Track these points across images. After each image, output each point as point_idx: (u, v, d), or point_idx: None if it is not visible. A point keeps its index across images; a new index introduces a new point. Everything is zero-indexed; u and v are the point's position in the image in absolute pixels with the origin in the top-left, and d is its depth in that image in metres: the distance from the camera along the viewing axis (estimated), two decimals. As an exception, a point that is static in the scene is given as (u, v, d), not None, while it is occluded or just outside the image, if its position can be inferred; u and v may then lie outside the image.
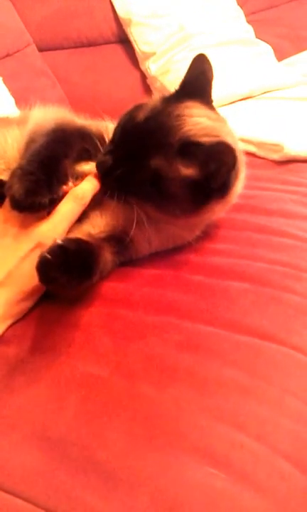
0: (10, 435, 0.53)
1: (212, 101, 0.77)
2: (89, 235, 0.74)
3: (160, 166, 0.67)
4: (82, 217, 0.73)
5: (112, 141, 0.73)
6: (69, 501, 0.47)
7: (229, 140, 0.70)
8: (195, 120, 0.70)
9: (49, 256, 0.56)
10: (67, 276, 0.59)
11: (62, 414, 0.55)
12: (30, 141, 0.74)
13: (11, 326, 0.68)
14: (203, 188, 0.70)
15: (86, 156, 0.75)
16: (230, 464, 0.50)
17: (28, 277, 0.66)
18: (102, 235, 0.75)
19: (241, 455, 0.51)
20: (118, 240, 0.75)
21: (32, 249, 0.66)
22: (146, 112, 0.71)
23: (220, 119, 0.77)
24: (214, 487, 0.48)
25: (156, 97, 0.75)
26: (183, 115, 0.70)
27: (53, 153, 0.70)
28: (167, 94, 0.76)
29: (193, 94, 0.74)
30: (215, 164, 0.67)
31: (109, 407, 0.56)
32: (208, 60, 0.75)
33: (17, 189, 0.62)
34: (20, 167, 0.66)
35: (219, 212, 0.80)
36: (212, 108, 0.77)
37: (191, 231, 0.81)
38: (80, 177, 0.73)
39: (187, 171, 0.68)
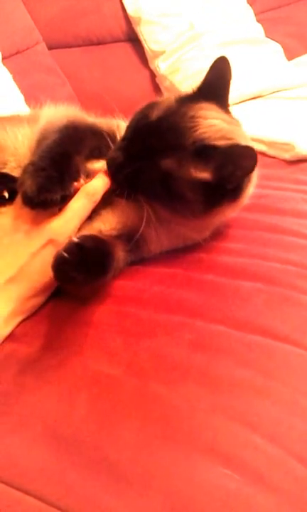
0: (21, 433, 0.52)
1: (228, 105, 0.77)
2: (100, 232, 0.73)
3: (172, 167, 0.67)
4: (92, 215, 0.73)
5: (124, 137, 0.72)
6: (81, 500, 0.46)
7: (244, 143, 0.70)
8: (210, 122, 0.69)
9: (66, 254, 0.56)
10: (83, 274, 0.58)
11: (73, 413, 0.54)
12: (42, 137, 0.74)
13: (21, 323, 0.68)
14: (215, 191, 0.69)
15: (97, 153, 0.75)
16: (244, 464, 0.49)
17: (40, 273, 0.66)
18: (113, 233, 0.74)
19: (255, 456, 0.50)
20: (128, 237, 0.75)
21: (44, 246, 0.66)
22: (160, 110, 0.70)
23: (235, 122, 0.76)
24: (228, 488, 0.47)
25: (171, 97, 0.75)
26: (198, 117, 0.69)
27: (65, 149, 0.70)
28: (183, 93, 0.75)
29: (210, 96, 0.73)
30: (232, 167, 0.67)
31: (120, 406, 0.55)
32: (229, 64, 0.74)
33: (29, 185, 0.62)
34: (32, 163, 0.66)
35: (230, 214, 0.79)
36: (227, 111, 0.76)
37: (201, 232, 0.81)
38: (91, 175, 0.73)
39: (200, 173, 0.67)
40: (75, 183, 0.70)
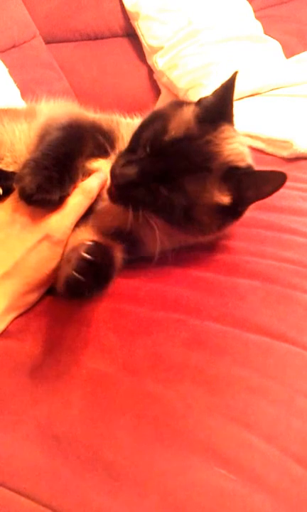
0: (14, 432, 0.52)
1: (233, 120, 0.75)
2: (98, 230, 0.72)
3: (195, 189, 0.66)
4: (90, 212, 0.72)
5: (132, 149, 0.69)
6: (74, 500, 0.45)
7: (252, 163, 0.71)
8: (233, 146, 0.69)
9: (79, 276, 0.55)
10: (94, 290, 0.58)
11: (67, 411, 0.53)
12: (45, 133, 0.73)
13: (15, 319, 0.67)
14: (228, 213, 0.70)
15: (96, 152, 0.74)
16: (240, 464, 0.49)
17: (35, 269, 0.65)
18: (111, 231, 0.73)
19: (251, 456, 0.49)
20: (126, 236, 0.74)
21: (40, 241, 0.65)
22: (178, 129, 0.67)
23: (245, 140, 0.76)
24: (224, 488, 0.47)
25: (187, 113, 0.70)
26: (223, 143, 0.68)
27: (68, 150, 0.68)
28: (197, 109, 0.71)
29: (224, 116, 0.71)
30: (254, 191, 0.68)
31: (115, 404, 0.54)
32: (235, 78, 0.72)
33: (28, 182, 0.61)
34: (34, 159, 0.64)
35: (232, 226, 0.79)
36: (236, 130, 0.75)
37: (202, 240, 0.79)
38: (88, 173, 0.72)
39: (222, 197, 0.67)
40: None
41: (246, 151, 0.73)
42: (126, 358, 0.60)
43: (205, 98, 0.72)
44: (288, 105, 1.55)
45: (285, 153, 1.19)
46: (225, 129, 0.70)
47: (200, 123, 0.68)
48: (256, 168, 0.76)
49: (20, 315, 0.69)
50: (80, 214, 0.69)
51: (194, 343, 0.62)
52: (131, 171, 0.65)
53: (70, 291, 0.57)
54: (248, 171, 0.69)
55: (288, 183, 1.02)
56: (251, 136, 1.29)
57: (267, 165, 1.16)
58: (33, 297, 0.69)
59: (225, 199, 0.67)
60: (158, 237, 0.69)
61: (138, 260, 0.78)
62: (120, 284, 0.73)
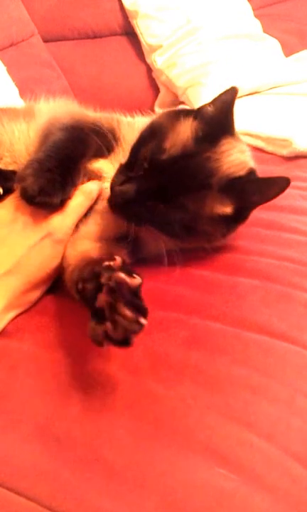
0: (13, 431, 0.51)
1: (235, 131, 0.74)
2: (101, 233, 0.72)
3: (196, 206, 0.66)
4: (91, 212, 0.72)
5: (129, 166, 0.69)
6: (74, 500, 0.45)
7: (254, 166, 0.72)
8: (232, 157, 0.69)
9: None
10: None
11: (66, 411, 0.53)
12: (48, 133, 0.73)
13: (14, 318, 0.67)
14: (232, 220, 0.71)
15: (97, 153, 0.74)
16: (240, 464, 0.48)
17: (36, 267, 0.65)
18: (113, 234, 0.73)
19: (252, 455, 0.49)
20: (129, 239, 0.73)
21: (42, 239, 0.65)
22: (175, 147, 0.66)
23: (244, 146, 0.75)
24: (224, 488, 0.47)
25: (185, 128, 0.68)
26: (222, 157, 0.68)
27: (72, 153, 0.68)
28: (195, 123, 0.69)
29: (223, 130, 0.70)
30: (259, 197, 0.69)
31: (114, 404, 0.54)
32: (236, 94, 0.71)
33: (31, 184, 0.61)
34: (37, 160, 0.64)
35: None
36: (236, 137, 0.74)
37: (209, 246, 0.79)
38: (88, 174, 0.72)
39: (224, 208, 0.67)
40: None
41: (247, 156, 0.72)
42: (125, 357, 0.60)
43: (204, 108, 0.71)
44: (288, 104, 1.55)
45: (284, 152, 1.19)
46: (225, 143, 0.69)
47: (198, 139, 0.67)
48: (257, 166, 0.76)
49: (20, 314, 0.68)
50: (82, 214, 0.70)
51: (193, 343, 0.61)
52: (130, 189, 0.65)
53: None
54: (249, 180, 0.69)
55: (287, 182, 1.04)
56: (250, 135, 1.29)
57: (267, 163, 1.16)
58: (33, 296, 0.69)
59: (227, 209, 0.68)
60: (162, 240, 0.70)
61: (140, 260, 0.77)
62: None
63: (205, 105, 0.72)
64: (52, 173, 0.63)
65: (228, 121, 0.71)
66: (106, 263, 0.54)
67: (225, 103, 0.70)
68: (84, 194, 0.69)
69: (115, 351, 0.60)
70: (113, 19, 1.94)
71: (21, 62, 1.63)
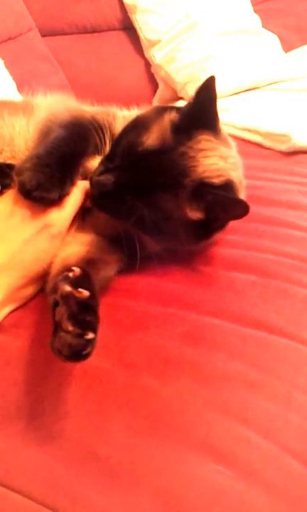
0: (6, 427, 0.51)
1: (219, 126, 0.71)
2: (93, 236, 0.72)
3: (168, 205, 0.64)
4: (87, 217, 0.72)
5: (111, 157, 0.67)
6: (68, 497, 0.45)
7: (235, 178, 0.68)
8: (209, 161, 0.66)
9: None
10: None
11: (61, 407, 0.53)
12: (48, 130, 0.72)
13: (10, 313, 0.66)
14: (206, 226, 0.68)
15: (95, 150, 0.73)
16: (236, 460, 0.48)
17: (32, 262, 0.64)
18: (108, 233, 0.72)
19: (249, 452, 0.49)
20: (124, 238, 0.71)
21: (38, 232, 0.64)
22: (154, 140, 0.65)
23: (230, 152, 0.72)
24: (220, 484, 0.46)
25: (165, 121, 0.67)
26: (198, 155, 0.65)
27: (72, 150, 0.68)
28: (175, 119, 0.67)
29: (203, 123, 0.68)
30: (223, 214, 0.66)
31: (110, 399, 0.54)
32: (215, 83, 0.68)
33: (29, 178, 0.60)
34: (37, 155, 0.64)
35: (218, 237, 0.77)
36: (221, 137, 0.71)
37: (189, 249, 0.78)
38: (84, 171, 0.71)
39: (195, 213, 0.65)
40: None
41: (229, 163, 0.69)
42: (121, 352, 0.59)
43: (187, 103, 0.70)
44: (287, 99, 1.54)
45: (283, 147, 1.18)
46: (203, 139, 0.67)
47: (175, 132, 0.65)
48: (254, 163, 0.75)
49: (15, 309, 0.68)
50: (78, 207, 0.69)
51: (190, 338, 0.61)
52: (107, 180, 0.64)
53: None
54: (215, 192, 0.65)
55: (285, 177, 1.04)
56: (249, 130, 1.28)
57: (265, 159, 1.15)
58: (29, 291, 0.68)
59: (198, 215, 0.65)
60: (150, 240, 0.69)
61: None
62: (116, 279, 0.72)
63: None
64: (52, 168, 0.62)
65: (207, 114, 0.68)
66: (65, 273, 0.53)
67: (203, 94, 0.67)
68: (81, 188, 0.68)
69: (111, 346, 0.60)
70: (111, 14, 1.92)
71: (19, 57, 1.62)
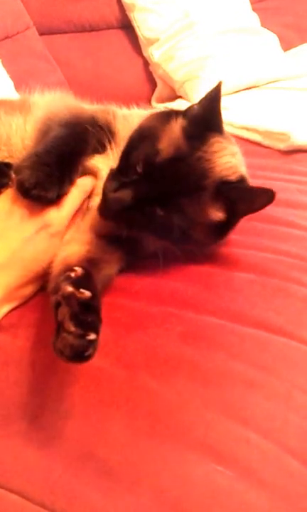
0: (4, 428, 0.50)
1: (223, 127, 0.72)
2: (95, 234, 0.71)
3: (192, 210, 0.65)
4: (86, 215, 0.72)
5: (123, 170, 0.67)
6: (67, 498, 0.44)
7: (244, 172, 0.70)
8: (223, 160, 0.67)
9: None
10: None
11: (59, 407, 0.52)
12: (47, 129, 0.72)
13: (8, 313, 0.66)
14: (224, 227, 0.69)
15: (94, 149, 0.73)
16: (236, 460, 0.48)
17: (31, 261, 0.64)
18: (106, 235, 0.71)
19: (248, 452, 0.48)
20: (124, 239, 0.71)
21: (37, 231, 0.64)
22: (168, 148, 0.65)
23: (236, 148, 0.73)
24: (220, 484, 0.46)
25: (175, 129, 0.67)
26: (214, 158, 0.66)
27: (73, 150, 0.68)
28: (184, 122, 0.68)
29: (212, 126, 0.69)
30: (248, 205, 0.68)
31: (109, 399, 0.53)
32: (220, 89, 0.69)
33: (27, 176, 0.60)
34: (36, 154, 0.64)
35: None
36: (226, 136, 0.72)
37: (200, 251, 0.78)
38: (83, 170, 0.71)
39: (217, 213, 0.66)
40: None
41: (237, 160, 0.71)
42: (120, 352, 0.59)
43: (191, 108, 0.70)
44: (285, 98, 1.54)
45: (282, 146, 1.18)
46: (215, 142, 0.68)
47: (188, 139, 0.66)
48: (253, 162, 0.75)
49: (14, 309, 0.67)
50: (77, 206, 0.69)
51: (189, 337, 0.61)
52: (126, 195, 0.63)
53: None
54: (238, 186, 0.67)
55: (284, 176, 1.04)
56: (248, 129, 1.28)
57: (264, 157, 1.15)
58: (28, 290, 0.68)
59: (220, 215, 0.67)
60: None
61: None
62: (116, 278, 0.72)
63: (192, 105, 0.70)
64: (51, 167, 0.62)
65: (215, 119, 0.70)
66: (66, 273, 0.53)
67: (211, 100, 0.68)
68: (80, 187, 0.68)
69: (110, 346, 0.60)
70: (110, 12, 1.92)
71: (16, 55, 1.61)
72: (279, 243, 0.79)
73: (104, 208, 0.66)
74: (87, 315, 0.50)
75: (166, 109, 0.75)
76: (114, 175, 0.67)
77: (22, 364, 0.58)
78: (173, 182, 0.63)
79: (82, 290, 0.51)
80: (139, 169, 0.64)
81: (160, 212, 0.64)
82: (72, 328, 0.47)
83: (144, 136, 0.68)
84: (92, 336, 0.48)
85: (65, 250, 0.68)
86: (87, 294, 0.51)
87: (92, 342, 0.48)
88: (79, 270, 0.55)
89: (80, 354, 0.47)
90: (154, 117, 0.72)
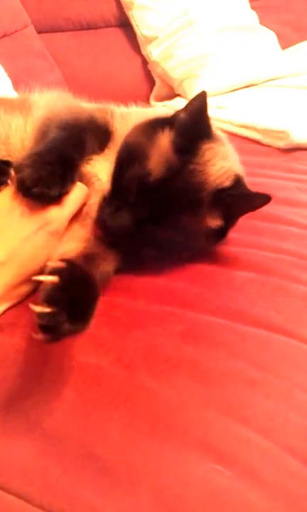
0: (2, 427, 0.50)
1: (212, 132, 0.72)
2: (90, 234, 0.70)
3: (190, 223, 0.66)
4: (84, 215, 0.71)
5: (116, 194, 0.67)
6: (65, 498, 0.44)
7: (238, 170, 0.71)
8: (215, 167, 0.67)
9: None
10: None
11: (58, 407, 0.52)
12: (47, 129, 0.71)
13: (5, 311, 0.65)
14: (222, 231, 0.71)
15: (93, 151, 0.73)
16: (236, 460, 0.47)
17: (29, 259, 0.64)
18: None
19: (248, 451, 0.48)
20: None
21: (37, 230, 0.64)
22: (159, 166, 0.65)
23: (225, 148, 0.72)
24: (219, 484, 0.45)
25: (163, 143, 0.67)
26: (207, 168, 0.66)
27: (73, 151, 0.67)
28: (172, 134, 0.67)
29: (201, 134, 0.68)
30: (243, 209, 0.70)
31: (108, 398, 0.53)
32: (207, 98, 0.68)
33: (29, 174, 0.59)
34: (37, 152, 0.63)
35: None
36: (215, 139, 0.71)
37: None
38: (81, 171, 0.71)
39: (215, 222, 0.68)
40: None
41: (231, 160, 0.71)
42: (119, 351, 0.59)
43: (178, 116, 0.69)
44: (284, 96, 1.54)
45: (281, 144, 1.18)
46: (206, 149, 0.67)
47: (178, 152, 0.66)
48: (252, 160, 0.74)
49: (11, 308, 0.67)
50: (78, 206, 0.68)
51: (189, 336, 0.60)
52: (124, 220, 0.64)
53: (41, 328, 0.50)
54: (233, 194, 0.68)
55: (284, 174, 1.03)
56: (247, 127, 1.28)
57: (263, 156, 1.14)
58: (25, 289, 0.67)
59: (218, 223, 0.68)
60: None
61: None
62: (114, 277, 0.71)
63: (178, 111, 0.70)
64: (53, 166, 0.61)
65: (204, 126, 0.69)
66: (51, 265, 0.54)
67: (197, 108, 0.68)
68: (82, 188, 0.68)
69: (109, 345, 0.59)
70: (108, 10, 1.91)
71: (14, 54, 1.60)
72: (279, 241, 0.79)
73: (104, 235, 0.67)
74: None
75: (152, 119, 0.73)
76: (109, 200, 0.67)
77: (19, 363, 0.58)
78: (169, 200, 0.64)
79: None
80: (134, 191, 0.65)
81: (160, 231, 0.65)
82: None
83: (133, 155, 0.68)
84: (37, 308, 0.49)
85: (63, 247, 0.67)
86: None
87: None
88: (61, 264, 0.55)
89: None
90: (140, 131, 0.71)
